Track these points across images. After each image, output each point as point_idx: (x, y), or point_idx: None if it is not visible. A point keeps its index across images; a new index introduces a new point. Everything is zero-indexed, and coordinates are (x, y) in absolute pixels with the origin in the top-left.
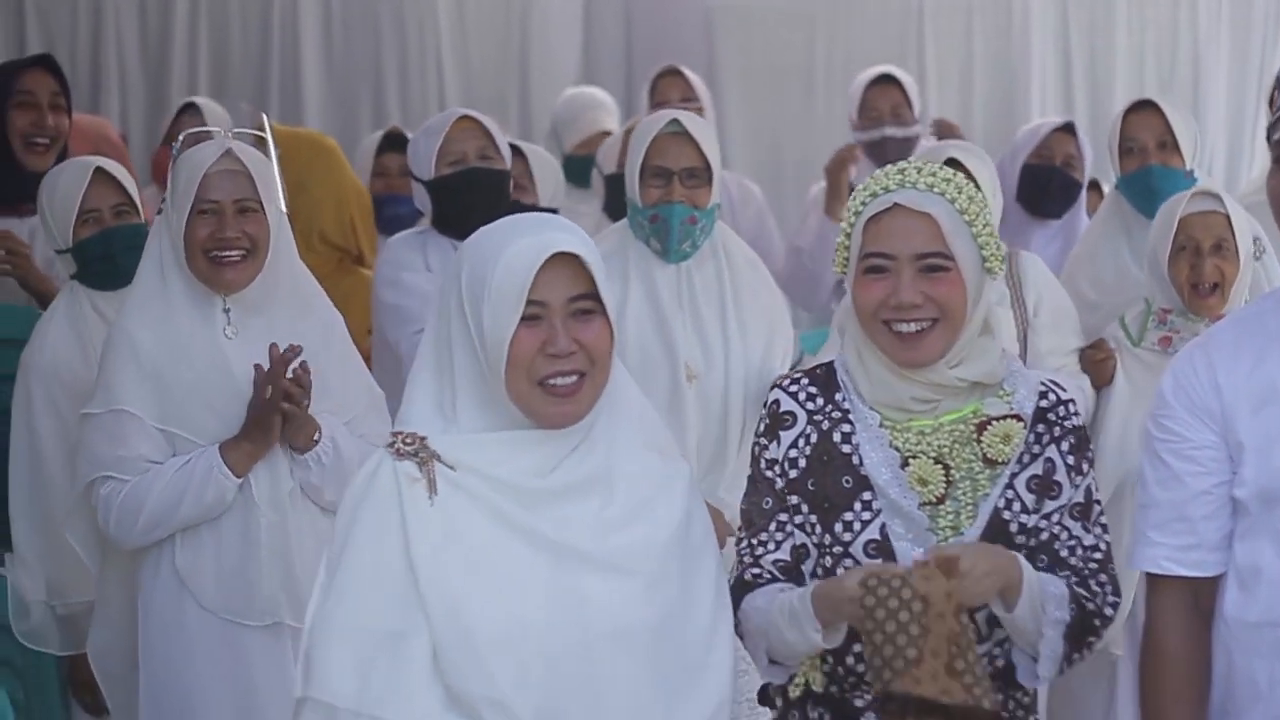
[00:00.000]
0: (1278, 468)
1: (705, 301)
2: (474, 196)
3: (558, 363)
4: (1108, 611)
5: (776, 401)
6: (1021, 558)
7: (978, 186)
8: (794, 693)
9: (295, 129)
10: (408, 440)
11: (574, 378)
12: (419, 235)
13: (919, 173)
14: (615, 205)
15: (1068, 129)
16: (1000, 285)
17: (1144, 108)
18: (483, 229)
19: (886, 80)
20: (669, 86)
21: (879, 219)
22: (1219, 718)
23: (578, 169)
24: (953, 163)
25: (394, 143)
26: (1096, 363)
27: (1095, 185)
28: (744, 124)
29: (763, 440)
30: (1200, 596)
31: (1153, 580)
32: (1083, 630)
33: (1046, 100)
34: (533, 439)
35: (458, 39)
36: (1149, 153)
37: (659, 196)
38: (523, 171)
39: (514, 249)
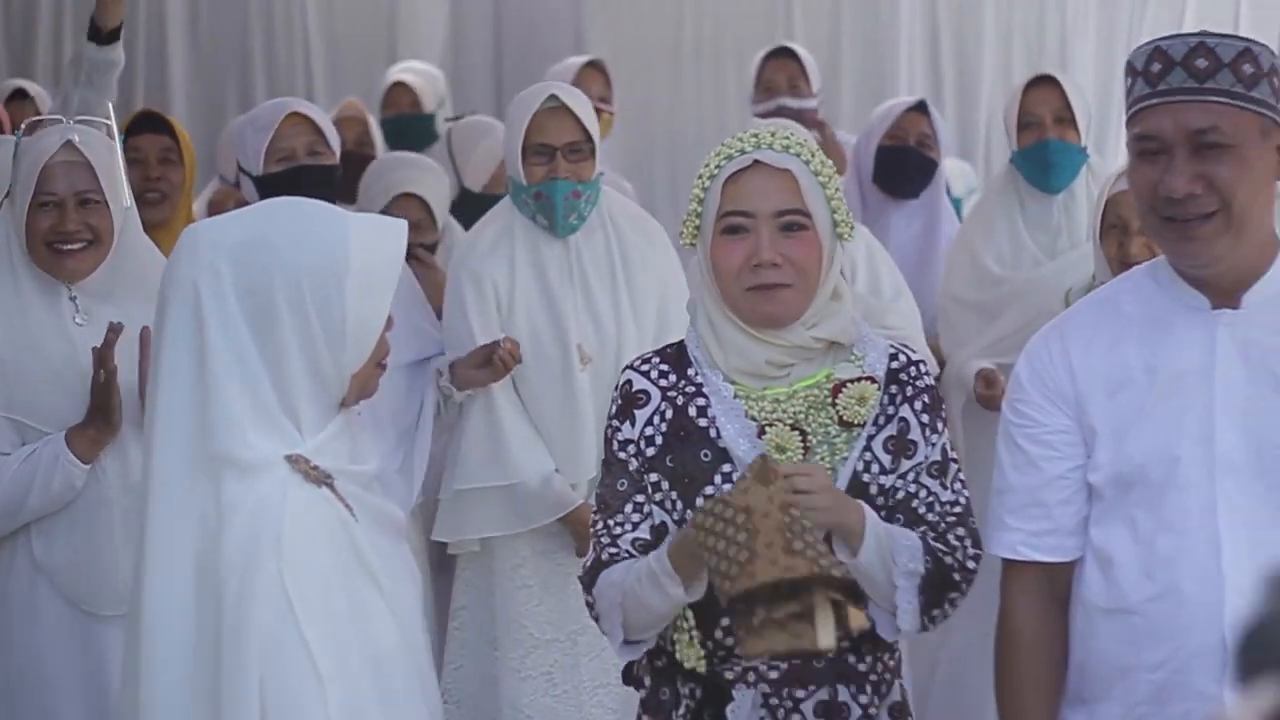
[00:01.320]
0: (1131, 453)
1: (596, 276)
2: (302, 194)
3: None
4: (969, 565)
5: (629, 382)
6: (866, 506)
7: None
8: (678, 654)
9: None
10: (310, 465)
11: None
12: None
13: (774, 135)
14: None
15: (920, 108)
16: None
17: (1042, 83)
18: (233, 225)
19: (784, 54)
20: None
21: (738, 178)
22: (1074, 703)
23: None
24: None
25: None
26: (987, 397)
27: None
28: (613, 102)
29: (615, 422)
30: (1055, 582)
31: (1008, 565)
32: (942, 583)
33: (914, 80)
34: (348, 422)
35: (324, 17)
36: (1046, 127)
37: (544, 174)
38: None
39: (354, 226)
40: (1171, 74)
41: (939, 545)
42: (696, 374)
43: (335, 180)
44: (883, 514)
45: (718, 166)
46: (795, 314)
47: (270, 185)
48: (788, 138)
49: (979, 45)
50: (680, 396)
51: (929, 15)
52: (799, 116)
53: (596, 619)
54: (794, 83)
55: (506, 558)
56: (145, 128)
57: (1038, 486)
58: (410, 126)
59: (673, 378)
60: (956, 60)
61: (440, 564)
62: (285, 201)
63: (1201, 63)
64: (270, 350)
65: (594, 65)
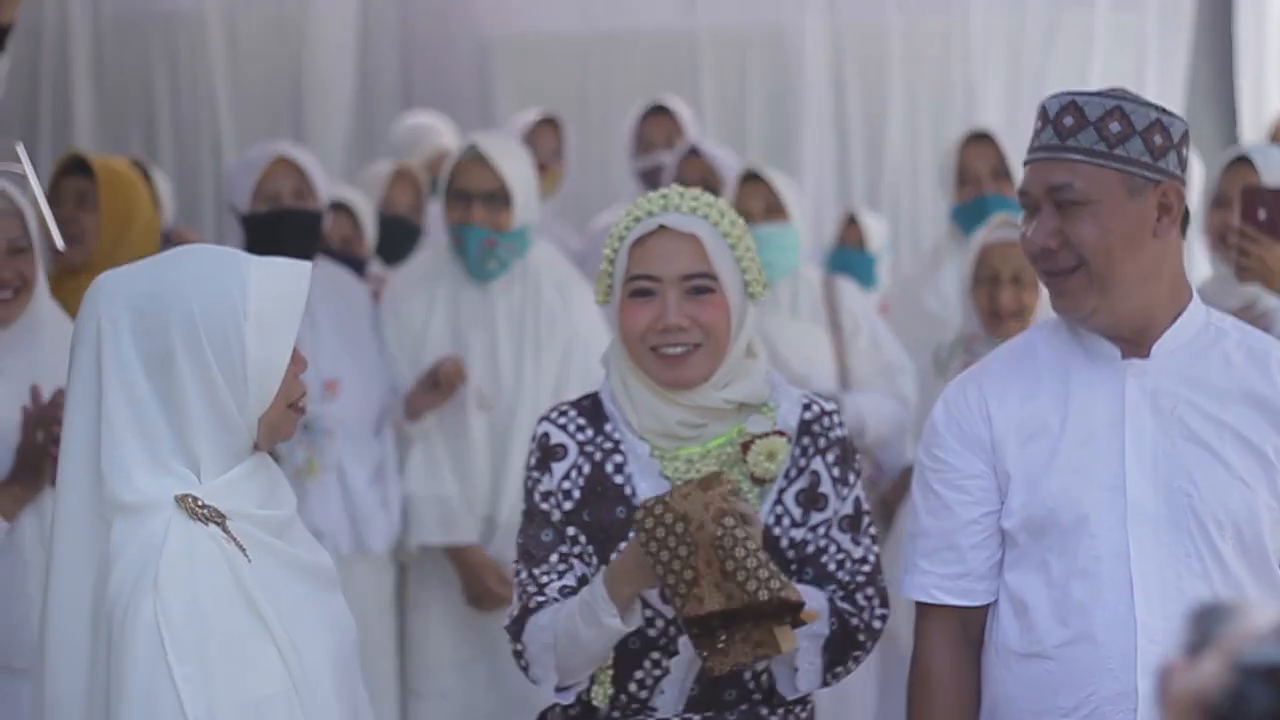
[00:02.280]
0: (1044, 499)
1: (505, 325)
2: (285, 236)
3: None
4: (875, 625)
5: (546, 434)
6: None
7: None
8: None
9: (111, 160)
10: (199, 504)
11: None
12: None
13: (682, 197)
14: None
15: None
16: (816, 303)
17: (979, 139)
18: (138, 274)
19: (659, 111)
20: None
21: (644, 242)
22: None
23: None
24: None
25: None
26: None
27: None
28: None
29: (535, 473)
30: (969, 625)
31: (922, 608)
32: (845, 644)
33: (822, 134)
34: (260, 465)
35: (231, 66)
36: (983, 181)
37: (458, 218)
38: (351, 225)
39: (254, 271)
40: (1044, 132)
41: (846, 606)
42: (614, 429)
43: (318, 225)
44: (793, 567)
45: (626, 229)
46: (703, 376)
47: (254, 225)
48: (695, 199)
49: (884, 101)
50: (598, 452)
51: (834, 69)
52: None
53: (525, 668)
54: (670, 139)
55: (408, 580)
56: (65, 170)
57: (952, 531)
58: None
59: (590, 432)
60: (863, 115)
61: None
62: (189, 249)
63: (1068, 120)
64: (169, 396)
65: (549, 121)
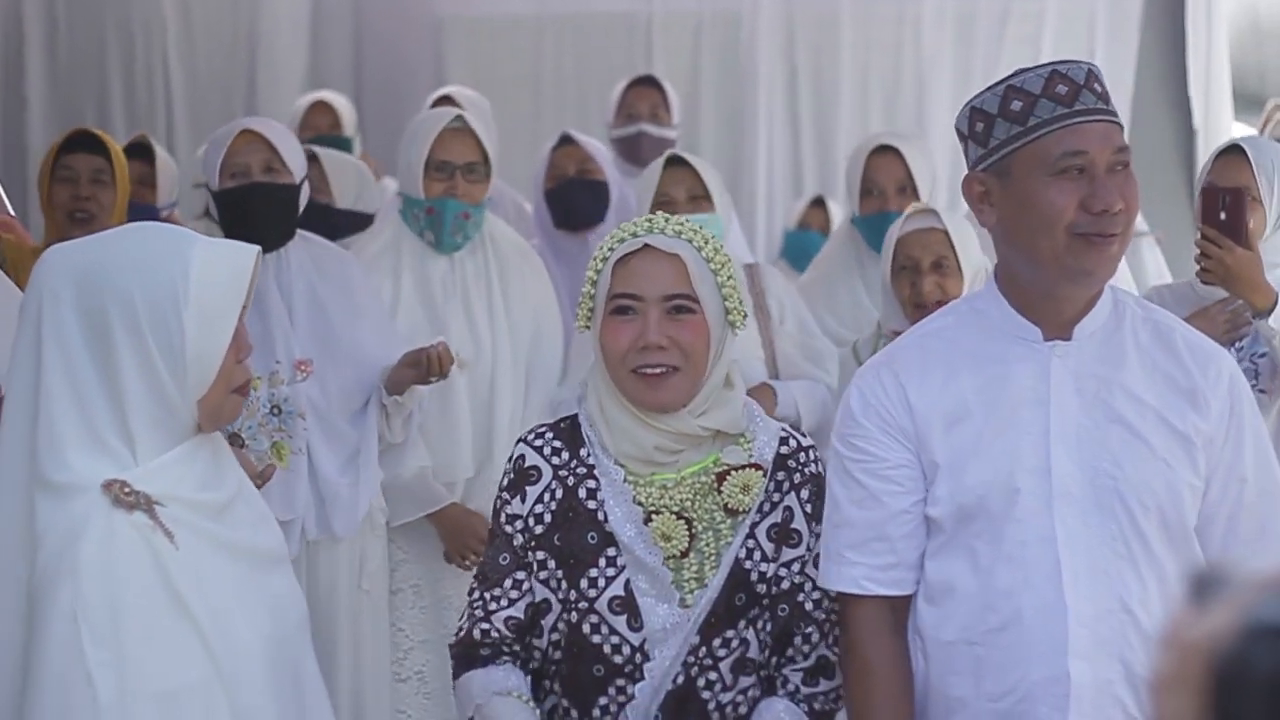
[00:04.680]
0: (971, 485)
1: (475, 290)
2: (257, 210)
3: (247, 373)
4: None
5: (522, 456)
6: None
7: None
8: None
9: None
10: (125, 490)
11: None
12: None
13: (667, 221)
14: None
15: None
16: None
17: (885, 151)
18: (83, 250)
19: (647, 82)
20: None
21: (628, 261)
22: None
23: None
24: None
25: (137, 150)
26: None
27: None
28: None
29: (505, 495)
30: (897, 613)
31: (851, 600)
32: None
33: (774, 117)
34: (201, 446)
35: (184, 44)
36: (888, 198)
37: (443, 190)
38: (318, 175)
39: (197, 254)
40: (1083, 95)
41: (822, 688)
42: (589, 454)
43: (294, 198)
44: (765, 601)
45: (610, 249)
46: (682, 400)
47: (225, 201)
48: (681, 224)
49: (836, 83)
50: (571, 477)
51: (787, 52)
52: (658, 144)
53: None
54: (655, 111)
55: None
56: (79, 147)
57: (881, 521)
58: (332, 148)
59: (565, 455)
60: (814, 96)
61: None
62: (136, 227)
63: (1098, 87)
64: (108, 374)
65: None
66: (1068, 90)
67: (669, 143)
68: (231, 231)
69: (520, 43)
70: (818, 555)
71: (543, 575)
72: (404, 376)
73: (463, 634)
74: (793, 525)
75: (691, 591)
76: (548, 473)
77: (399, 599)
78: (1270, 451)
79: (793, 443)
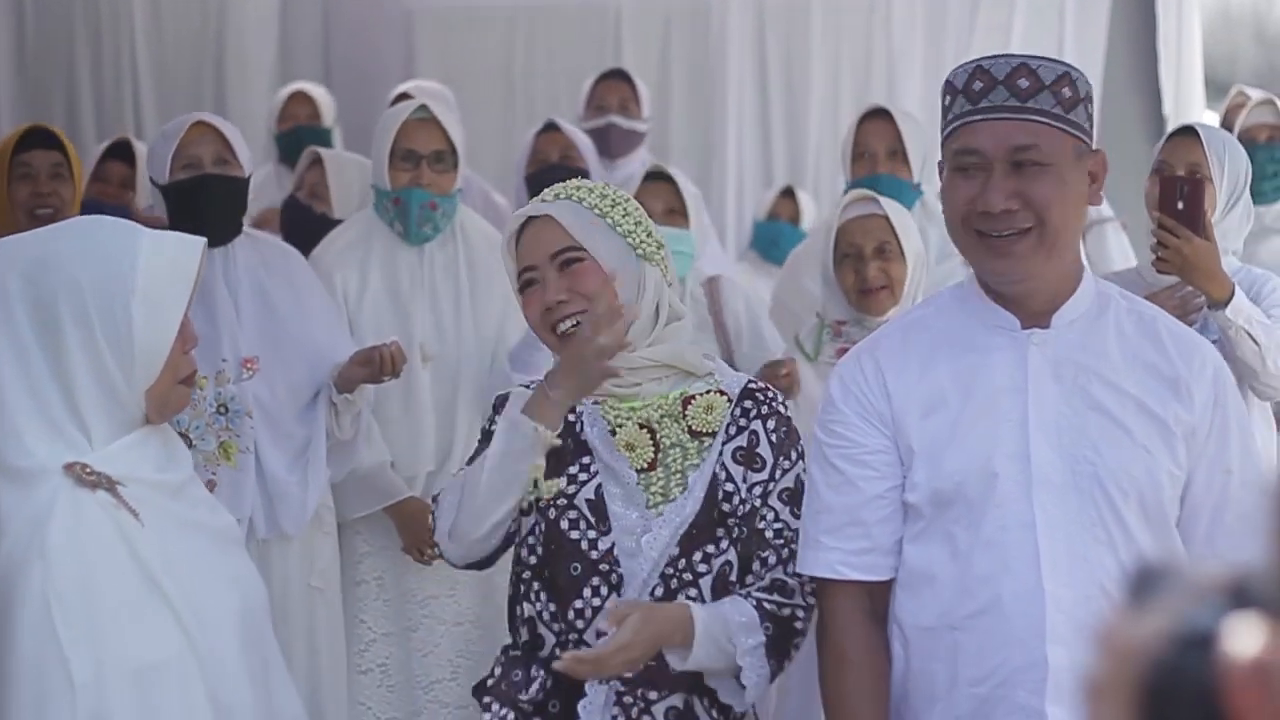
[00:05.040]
0: (949, 471)
1: (443, 282)
2: (207, 203)
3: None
4: (809, 600)
5: (506, 394)
6: (694, 609)
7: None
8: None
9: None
10: (87, 471)
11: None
12: None
13: (550, 190)
14: None
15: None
16: (702, 312)
17: (877, 116)
18: (30, 242)
19: (617, 75)
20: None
21: (517, 238)
22: (897, 715)
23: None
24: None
25: (118, 151)
26: (778, 379)
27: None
28: None
29: (493, 413)
30: (875, 598)
31: (827, 586)
32: (785, 636)
33: (743, 107)
34: (152, 433)
35: (152, 38)
36: (879, 160)
37: (408, 180)
38: (319, 180)
39: (144, 245)
40: (994, 92)
41: (776, 598)
42: None
43: (243, 191)
44: (730, 522)
45: (509, 233)
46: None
47: (174, 193)
48: (559, 190)
49: (806, 74)
50: None
51: (757, 42)
52: (628, 137)
53: (433, 529)
54: (625, 104)
55: (345, 554)
56: (35, 143)
57: (857, 506)
58: (311, 139)
59: None
60: (784, 88)
61: None
62: (84, 219)
63: (1024, 83)
64: (58, 363)
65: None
66: (981, 87)
67: (638, 135)
68: (178, 223)
69: (491, 35)
70: (784, 490)
71: None
72: (355, 375)
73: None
74: (758, 450)
75: (656, 504)
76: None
77: (362, 590)
78: (1255, 443)
79: (760, 385)
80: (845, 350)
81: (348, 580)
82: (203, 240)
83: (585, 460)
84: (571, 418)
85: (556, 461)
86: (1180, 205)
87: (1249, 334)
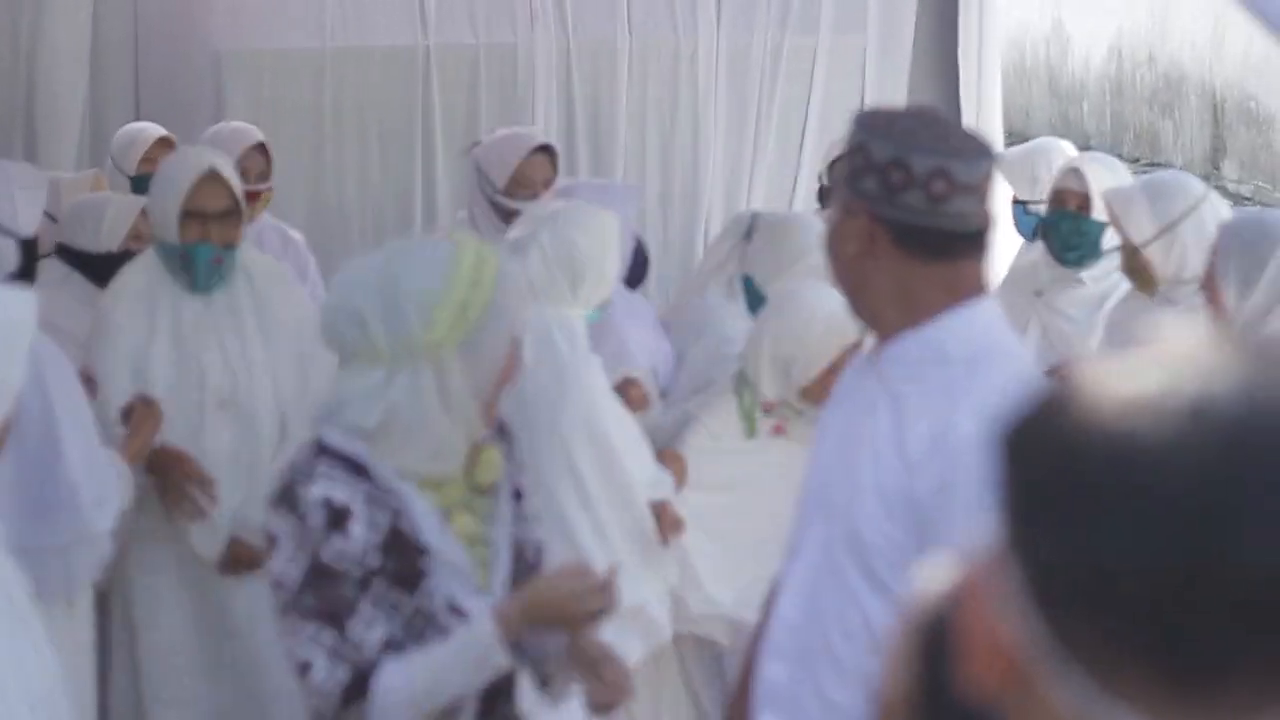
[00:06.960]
0: None
1: (231, 328)
2: None
3: None
4: None
5: (328, 499)
6: None
7: None
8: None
9: None
10: None
11: None
12: None
13: None
14: None
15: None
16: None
17: (542, 150)
18: None
19: (544, 151)
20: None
21: None
22: None
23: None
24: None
25: None
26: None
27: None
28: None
29: (322, 537)
30: None
31: None
32: None
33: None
34: None
35: None
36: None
37: (197, 236)
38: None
39: None
40: None
41: None
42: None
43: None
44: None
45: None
46: None
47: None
48: None
49: (614, 119)
50: (378, 502)
51: (564, 88)
52: None
53: None
54: (549, 183)
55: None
56: None
57: None
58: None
59: (362, 484)
60: (592, 132)
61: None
62: None
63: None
64: None
65: (259, 147)
66: None
67: None
68: None
69: (299, 76)
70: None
71: (390, 600)
72: (136, 445)
73: (345, 679)
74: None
75: (484, 579)
76: (359, 508)
77: (161, 628)
78: None
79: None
80: (780, 427)
81: (139, 625)
82: (31, 294)
83: (430, 566)
84: (407, 525)
85: (412, 575)
86: None
87: None
